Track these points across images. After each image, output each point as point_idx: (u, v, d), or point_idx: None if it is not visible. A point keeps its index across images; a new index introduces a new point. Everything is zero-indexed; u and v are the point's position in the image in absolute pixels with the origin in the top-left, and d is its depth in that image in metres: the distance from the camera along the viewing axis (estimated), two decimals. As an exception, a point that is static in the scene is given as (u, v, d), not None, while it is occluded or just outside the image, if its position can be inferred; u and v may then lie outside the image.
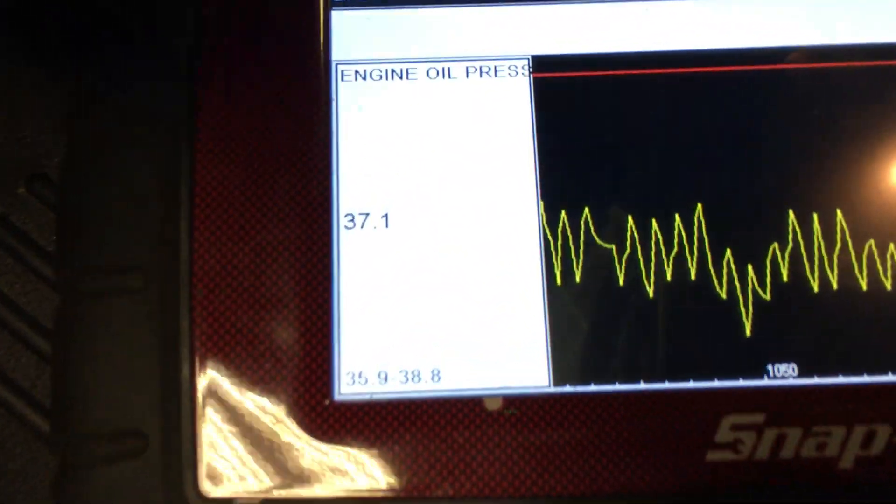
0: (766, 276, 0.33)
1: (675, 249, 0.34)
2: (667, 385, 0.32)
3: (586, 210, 0.34)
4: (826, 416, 0.31)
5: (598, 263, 0.33)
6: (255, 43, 0.35)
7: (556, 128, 0.35)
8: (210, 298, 0.32)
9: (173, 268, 0.32)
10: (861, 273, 0.33)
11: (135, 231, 0.33)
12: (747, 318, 0.33)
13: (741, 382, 0.32)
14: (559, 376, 0.32)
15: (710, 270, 0.33)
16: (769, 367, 0.32)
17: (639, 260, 0.33)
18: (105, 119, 0.34)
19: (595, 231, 0.34)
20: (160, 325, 0.32)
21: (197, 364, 0.32)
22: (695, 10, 0.36)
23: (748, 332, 0.33)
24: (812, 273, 0.33)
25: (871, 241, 0.34)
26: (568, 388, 0.32)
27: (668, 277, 0.33)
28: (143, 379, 0.32)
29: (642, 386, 0.32)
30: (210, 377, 0.32)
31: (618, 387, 0.32)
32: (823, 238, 0.34)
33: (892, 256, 0.33)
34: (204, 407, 0.31)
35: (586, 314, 0.33)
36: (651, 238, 0.34)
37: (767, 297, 0.33)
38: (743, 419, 0.31)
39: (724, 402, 0.32)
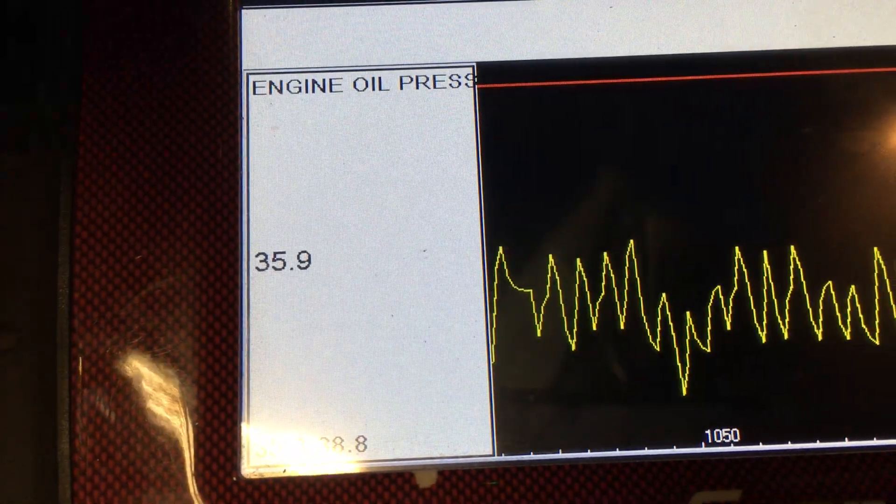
0: (706, 324, 0.29)
1: (603, 294, 0.29)
2: (602, 454, 0.28)
3: (500, 250, 0.29)
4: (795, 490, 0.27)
5: (517, 310, 0.29)
6: (147, 50, 0.30)
7: (504, 148, 0.30)
8: (93, 358, 0.28)
9: (49, 324, 0.28)
10: (816, 320, 0.29)
11: (2, 283, 0.28)
12: (684, 375, 0.29)
13: (675, 451, 0.28)
14: (504, 443, 0.28)
15: (642, 318, 0.29)
16: (707, 432, 0.28)
17: (560, 306, 0.29)
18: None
19: (510, 274, 0.29)
20: (35, 390, 0.28)
21: (77, 435, 0.27)
22: (666, 9, 0.31)
23: (684, 391, 0.28)
24: (760, 320, 0.29)
25: (830, 283, 0.29)
26: (515, 458, 0.28)
27: (594, 326, 0.29)
28: (12, 457, 0.27)
29: (593, 455, 0.28)
30: (93, 453, 0.27)
31: (568, 456, 0.28)
32: (774, 279, 0.29)
33: (852, 300, 0.29)
34: (86, 487, 0.27)
35: (530, 371, 0.28)
36: (574, 281, 0.29)
37: (708, 348, 0.29)
38: (717, 497, 0.27)
39: (693, 475, 0.27)
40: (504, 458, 0.28)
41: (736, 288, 0.29)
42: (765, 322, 0.29)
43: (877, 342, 0.29)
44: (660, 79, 0.31)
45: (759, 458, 0.27)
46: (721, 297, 0.29)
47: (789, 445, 0.28)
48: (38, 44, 0.30)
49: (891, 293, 0.29)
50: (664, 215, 0.30)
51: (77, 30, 0.29)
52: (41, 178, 0.29)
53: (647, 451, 0.28)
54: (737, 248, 0.29)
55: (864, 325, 0.29)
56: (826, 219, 0.30)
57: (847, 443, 0.28)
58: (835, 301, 0.29)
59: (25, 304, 0.28)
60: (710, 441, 0.28)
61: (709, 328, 0.29)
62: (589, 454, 0.28)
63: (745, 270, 0.29)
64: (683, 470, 0.27)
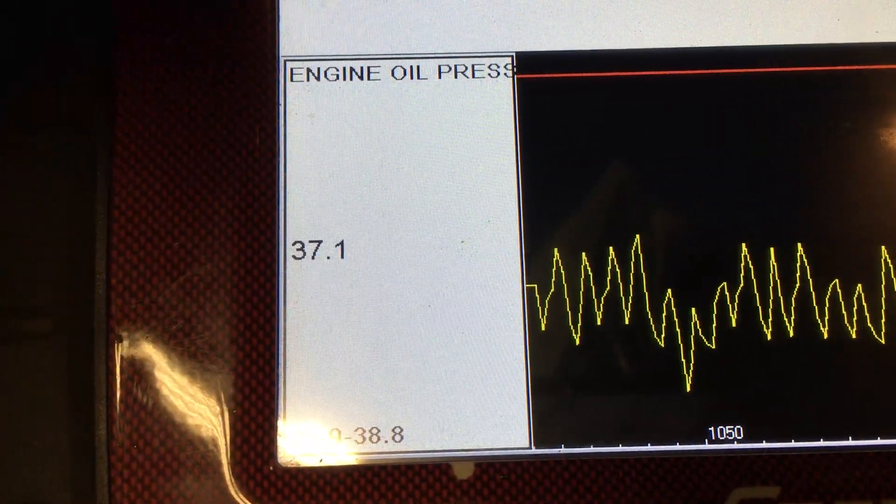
0: (711, 321, 0.29)
1: (608, 288, 0.29)
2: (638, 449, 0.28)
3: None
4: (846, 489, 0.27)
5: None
6: (186, 37, 0.30)
7: (543, 138, 0.30)
8: (130, 343, 0.27)
9: (86, 310, 0.28)
10: (822, 318, 0.29)
11: (41, 265, 0.28)
12: (688, 371, 0.28)
13: (678, 447, 0.28)
14: (540, 436, 0.28)
15: (647, 314, 0.29)
16: (711, 428, 0.28)
17: (564, 300, 0.29)
18: (2, 139, 0.28)
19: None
20: (71, 376, 0.28)
21: (114, 422, 0.27)
22: (707, 2, 0.31)
23: (689, 387, 0.28)
24: (765, 318, 0.29)
25: (836, 281, 0.29)
26: (551, 451, 0.28)
27: (598, 321, 0.29)
28: (50, 443, 0.27)
29: (629, 450, 0.28)
30: (131, 439, 0.27)
31: (605, 449, 0.28)
32: (780, 277, 0.29)
33: (858, 299, 0.29)
34: (123, 475, 0.27)
35: (563, 366, 0.28)
36: (580, 274, 0.29)
37: (713, 345, 0.29)
38: (756, 493, 0.27)
39: (732, 471, 0.27)
40: (540, 450, 0.28)
41: (742, 285, 0.29)
42: (770, 320, 0.29)
43: (882, 341, 0.28)
44: (690, 72, 0.30)
45: (798, 455, 0.27)
46: (727, 293, 0.29)
47: (792, 444, 0.28)
48: (71, 32, 0.30)
49: None
50: (672, 210, 0.29)
51: (112, 16, 0.29)
52: (77, 164, 0.29)
53: (684, 447, 0.28)
54: (744, 244, 0.29)
55: (870, 324, 0.29)
56: (834, 217, 0.29)
57: (850, 441, 0.28)
58: (841, 299, 0.29)
59: (60, 291, 0.28)
60: (713, 438, 0.28)
61: (714, 325, 0.29)
62: (625, 448, 0.28)
63: (751, 267, 0.29)
64: (722, 466, 0.27)
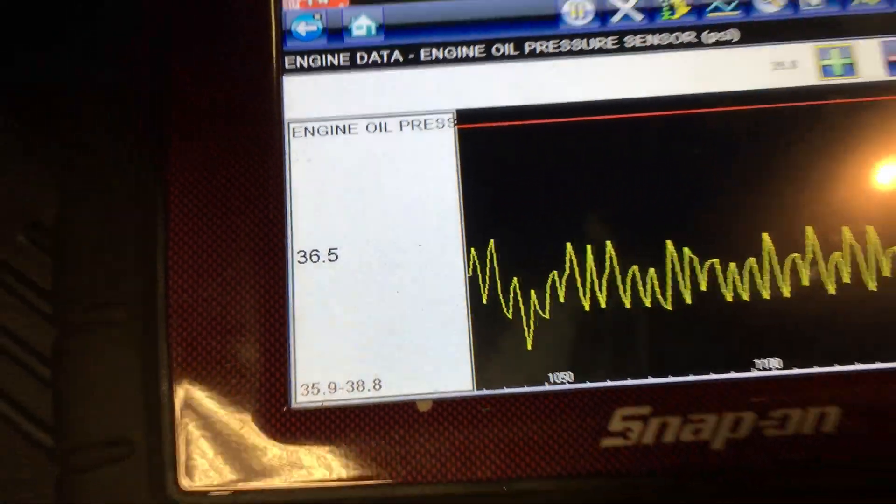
0: (546, 298, 0.38)
1: (470, 275, 0.39)
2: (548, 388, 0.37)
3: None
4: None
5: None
6: (218, 105, 0.40)
7: (478, 171, 0.40)
8: (184, 326, 0.37)
9: (151, 302, 0.37)
10: (626, 293, 0.38)
11: (119, 271, 0.37)
12: (529, 335, 0.38)
13: (525, 389, 0.37)
14: (481, 382, 0.38)
15: (498, 295, 0.38)
16: (550, 374, 0.37)
17: (480, 284, 0.38)
18: (91, 173, 0.39)
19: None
20: (142, 350, 0.37)
21: (174, 381, 0.36)
22: (594, 67, 0.42)
23: (529, 347, 0.38)
24: (584, 294, 0.38)
25: (636, 266, 0.38)
26: (487, 392, 0.38)
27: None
28: (128, 396, 0.36)
29: (548, 388, 0.38)
30: (185, 391, 0.37)
31: (521, 390, 0.37)
32: (595, 265, 0.38)
33: (651, 279, 0.38)
34: (181, 416, 0.36)
35: (498, 331, 0.39)
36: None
37: (547, 315, 0.38)
38: (633, 412, 0.37)
39: (615, 396, 0.38)
40: (480, 391, 0.38)
41: (567, 272, 0.38)
42: (588, 295, 0.37)
43: (669, 307, 0.38)
44: (580, 119, 0.40)
45: (667, 384, 0.37)
46: (556, 279, 0.38)
47: (608, 383, 0.37)
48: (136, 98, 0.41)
49: (679, 272, 0.38)
50: (516, 219, 0.39)
51: (168, 99, 0.40)
52: (144, 202, 0.39)
53: (529, 389, 0.37)
54: (568, 243, 0.38)
55: (659, 296, 0.37)
56: (633, 220, 0.38)
57: (649, 380, 0.37)
58: (639, 279, 0.38)
59: (134, 290, 0.38)
60: (551, 382, 0.37)
61: (547, 301, 0.37)
62: (545, 388, 0.38)
63: (574, 259, 0.38)
64: (608, 393, 0.37)
